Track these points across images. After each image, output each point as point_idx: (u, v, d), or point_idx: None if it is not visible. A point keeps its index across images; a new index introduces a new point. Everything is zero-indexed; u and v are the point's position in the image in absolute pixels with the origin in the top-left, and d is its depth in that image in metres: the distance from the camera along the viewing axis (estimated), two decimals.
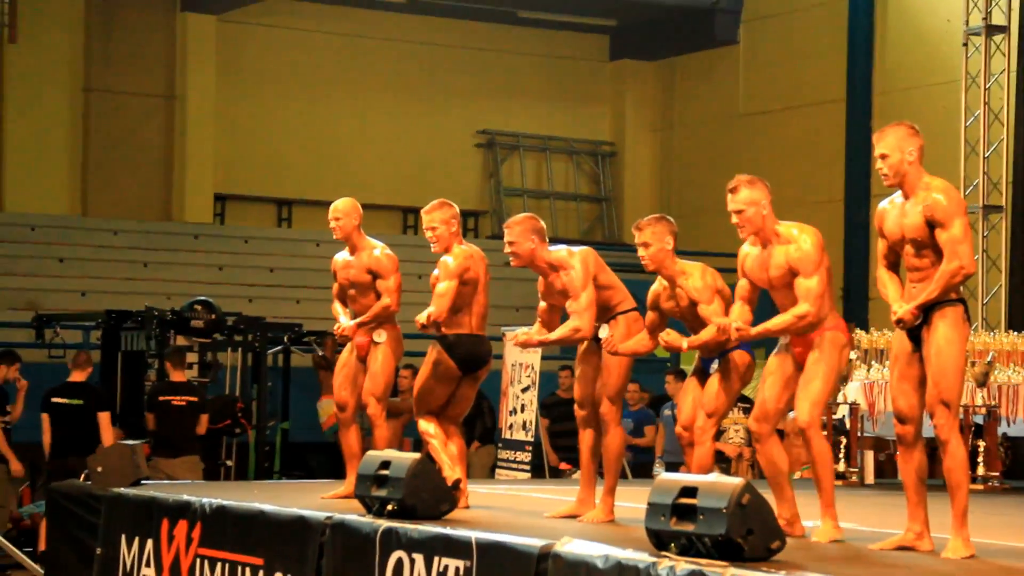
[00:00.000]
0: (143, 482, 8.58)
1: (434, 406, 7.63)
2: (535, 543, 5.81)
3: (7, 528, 11.41)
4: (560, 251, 7.10)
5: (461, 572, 6.05)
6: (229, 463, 12.97)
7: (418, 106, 21.00)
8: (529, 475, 12.52)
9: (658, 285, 6.98)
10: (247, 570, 7.23)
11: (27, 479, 12.22)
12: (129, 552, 8.08)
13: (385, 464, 6.82)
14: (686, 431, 6.87)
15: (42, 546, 10.43)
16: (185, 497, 7.83)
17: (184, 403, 11.68)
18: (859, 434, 10.68)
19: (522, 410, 12.85)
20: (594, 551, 5.54)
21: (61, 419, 11.48)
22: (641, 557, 5.34)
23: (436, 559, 6.18)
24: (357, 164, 20.39)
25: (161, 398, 11.69)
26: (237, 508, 7.46)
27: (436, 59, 21.10)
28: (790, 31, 20.20)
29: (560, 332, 7.04)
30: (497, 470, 12.97)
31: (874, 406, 10.75)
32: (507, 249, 7.11)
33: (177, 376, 11.87)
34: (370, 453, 7.11)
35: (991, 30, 14.97)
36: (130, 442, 8.91)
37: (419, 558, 6.26)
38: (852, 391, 10.78)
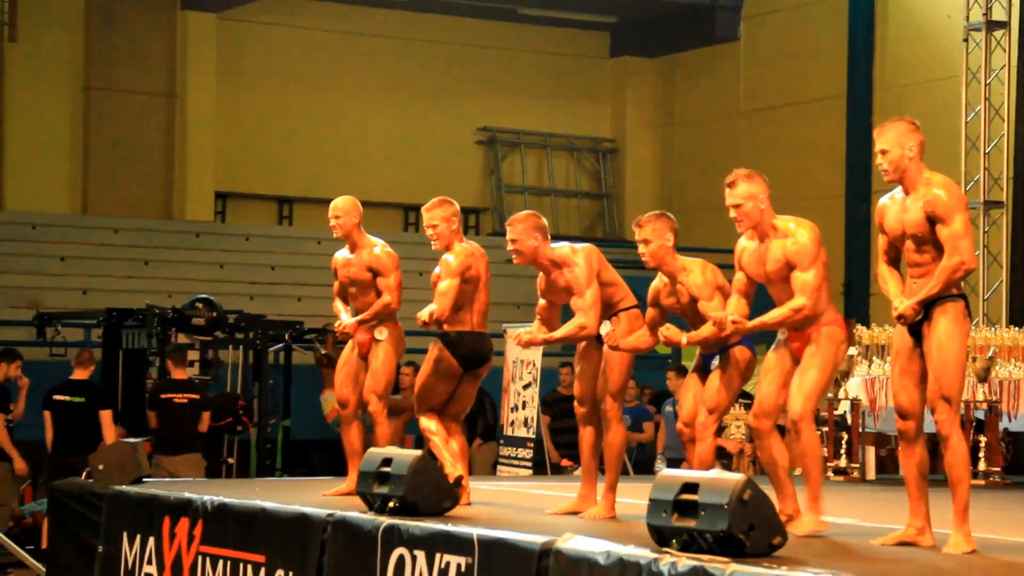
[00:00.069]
0: (144, 480, 8.59)
1: (435, 403, 7.63)
2: (537, 539, 5.81)
3: (9, 526, 11.42)
4: (563, 248, 7.10)
5: (463, 569, 6.05)
6: (231, 461, 12.97)
7: (419, 103, 21.01)
8: (531, 472, 12.53)
9: (658, 281, 6.98)
10: (249, 568, 7.24)
11: (29, 477, 12.22)
12: (131, 550, 8.08)
13: (387, 461, 6.82)
14: (687, 427, 6.87)
15: (44, 544, 10.43)
16: (186, 495, 7.83)
17: (186, 401, 11.68)
18: (860, 430, 10.67)
19: (523, 407, 12.85)
20: (596, 547, 5.55)
21: (63, 417, 11.48)
22: (643, 553, 5.34)
23: (438, 556, 6.18)
24: (358, 162, 20.39)
25: (163, 396, 11.70)
26: (238, 506, 7.46)
27: (437, 56, 21.10)
28: (791, 28, 20.20)
29: (565, 330, 7.03)
30: (498, 467, 12.98)
31: (875, 402, 10.75)
32: (509, 247, 7.11)
33: (178, 374, 11.88)
34: (371, 450, 7.11)
35: (991, 25, 14.96)
36: (131, 440, 8.92)
37: (421, 555, 6.26)
38: (853, 387, 10.78)
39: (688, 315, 6.89)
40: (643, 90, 22.28)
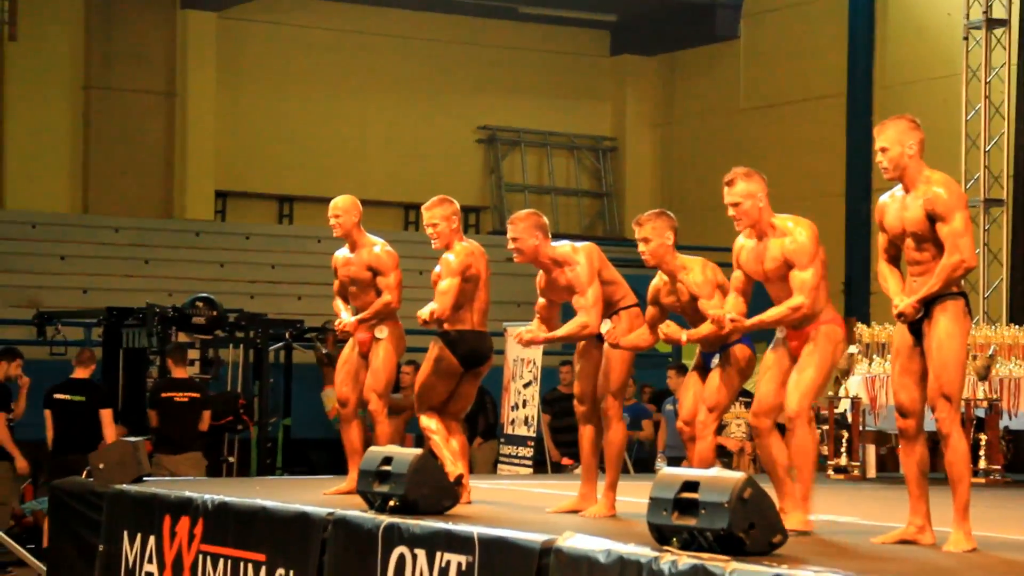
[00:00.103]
0: (145, 479, 8.59)
1: (436, 402, 7.63)
2: (537, 538, 5.81)
3: (9, 525, 11.42)
4: (564, 247, 7.10)
5: (463, 567, 6.05)
6: (231, 459, 12.98)
7: (419, 102, 21.01)
8: (531, 470, 12.53)
9: (658, 280, 6.98)
10: (249, 566, 7.24)
11: (30, 476, 12.23)
12: (131, 549, 8.08)
13: (387, 460, 6.82)
14: (687, 426, 6.87)
15: (45, 543, 10.42)
16: (187, 494, 7.83)
17: (186, 399, 11.68)
18: (861, 428, 10.67)
19: (524, 405, 12.85)
20: (596, 546, 5.55)
21: (63, 416, 11.48)
22: (643, 552, 5.34)
23: (438, 555, 6.18)
24: (358, 160, 20.40)
25: (163, 395, 11.70)
26: (239, 504, 7.46)
27: (437, 55, 21.10)
28: (791, 26, 20.20)
29: (567, 328, 7.03)
30: (499, 465, 12.98)
31: (876, 400, 10.75)
32: (511, 245, 7.10)
33: (179, 373, 11.88)
34: (372, 449, 7.11)
35: (992, 23, 14.95)
36: (132, 439, 8.92)
37: (421, 554, 6.26)
38: (854, 385, 10.77)
39: (688, 313, 6.89)
40: (643, 88, 22.28)
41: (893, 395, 5.99)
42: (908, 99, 17.39)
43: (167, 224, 18.90)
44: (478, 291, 7.55)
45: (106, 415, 11.51)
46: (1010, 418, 10.60)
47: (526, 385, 12.87)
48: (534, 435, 12.72)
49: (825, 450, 10.65)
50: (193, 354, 12.81)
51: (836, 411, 10.61)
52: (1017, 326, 11.32)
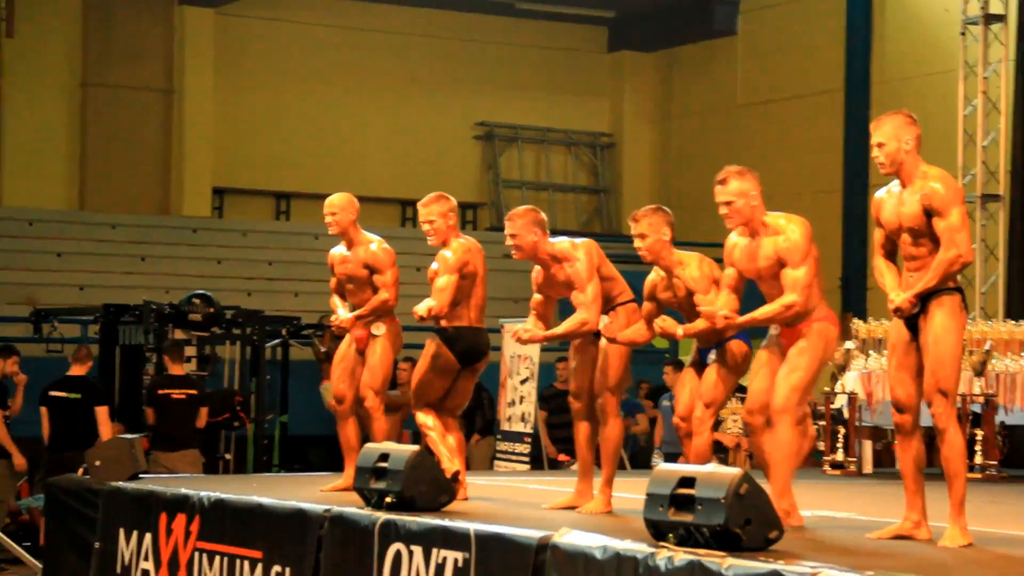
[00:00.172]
0: (141, 476, 8.58)
1: (432, 399, 7.63)
2: (533, 534, 5.81)
3: (5, 523, 11.41)
4: (563, 243, 7.09)
5: (460, 564, 6.05)
6: (228, 456, 12.97)
7: (416, 99, 21.00)
8: (528, 466, 12.53)
9: (655, 275, 6.98)
10: (246, 563, 7.23)
11: (27, 473, 12.22)
12: (127, 546, 8.08)
13: (384, 456, 6.81)
14: (684, 422, 6.87)
15: (42, 540, 10.42)
16: (183, 491, 7.83)
17: (184, 396, 11.67)
18: (857, 423, 10.68)
19: (521, 402, 12.85)
20: (592, 542, 5.55)
21: (59, 413, 11.48)
22: (639, 548, 5.34)
23: (435, 551, 6.18)
24: (355, 157, 20.38)
25: (160, 392, 11.69)
26: (235, 501, 7.46)
27: (434, 51, 21.09)
28: (788, 21, 20.19)
29: (567, 325, 7.02)
30: (496, 462, 12.98)
31: (872, 395, 10.75)
32: (509, 242, 7.09)
33: (176, 370, 11.87)
34: (368, 445, 7.11)
35: (989, 19, 14.95)
36: (128, 436, 8.91)
37: (418, 550, 6.26)
38: (850, 380, 10.78)
39: (685, 309, 6.89)
40: (641, 85, 22.27)
41: (889, 390, 5.99)
42: (905, 95, 17.39)
43: (164, 221, 18.88)
44: (475, 288, 7.54)
45: (102, 412, 11.50)
46: (1006, 413, 10.60)
47: (523, 381, 12.86)
48: (531, 431, 12.72)
49: (821, 446, 10.65)
50: (190, 351, 12.80)
51: (832, 407, 10.61)
52: (1013, 321, 11.32)
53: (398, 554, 6.35)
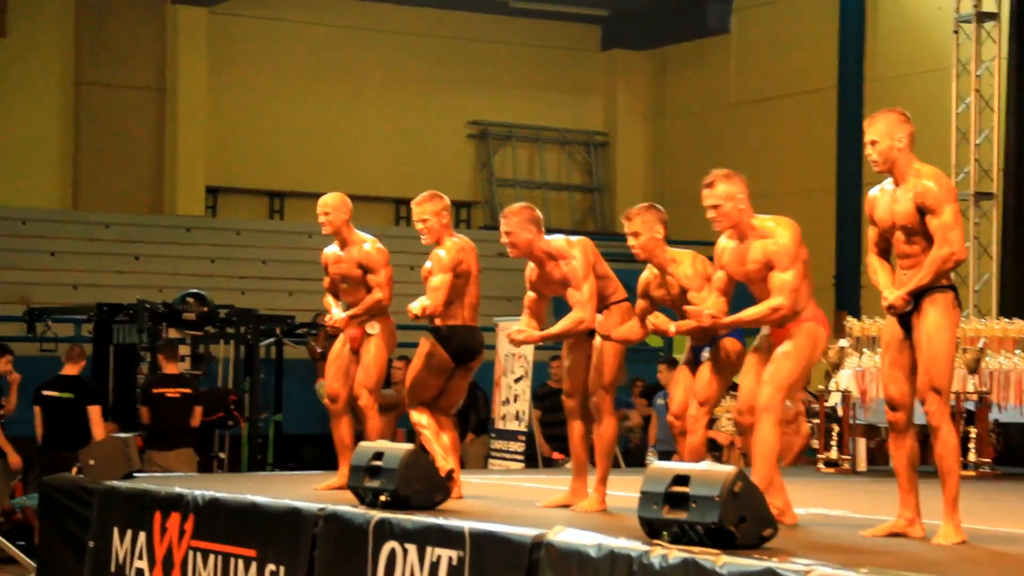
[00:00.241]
0: (135, 475, 8.58)
1: (427, 397, 7.63)
2: (528, 533, 5.81)
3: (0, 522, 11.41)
4: (559, 240, 7.09)
5: (454, 562, 6.05)
6: (222, 455, 12.97)
7: (410, 97, 20.99)
8: (522, 465, 12.52)
9: (648, 273, 6.98)
10: (240, 562, 7.23)
11: (22, 472, 12.21)
12: (122, 545, 8.08)
13: (378, 455, 6.82)
14: (678, 420, 6.87)
15: (37, 540, 10.41)
16: (177, 490, 7.83)
17: (178, 395, 11.67)
18: (851, 421, 10.68)
19: (515, 400, 12.85)
20: (587, 540, 5.55)
21: (52, 413, 11.47)
22: (634, 546, 5.35)
23: (429, 549, 6.18)
24: (349, 156, 20.37)
25: (154, 391, 11.68)
26: (230, 500, 7.46)
27: (428, 50, 21.08)
28: (781, 19, 20.20)
29: (562, 325, 7.01)
30: (490, 460, 12.98)
31: (866, 393, 10.75)
32: (504, 239, 7.08)
33: (170, 369, 11.86)
34: (363, 444, 7.11)
35: (982, 17, 14.96)
36: (122, 435, 8.90)
37: (412, 548, 6.26)
38: (844, 378, 10.78)
39: (678, 306, 6.89)
40: (634, 83, 22.28)
41: (883, 388, 6.00)
42: (898, 93, 17.40)
43: (158, 220, 18.86)
44: (469, 286, 7.54)
45: (94, 412, 11.49)
46: (1000, 411, 10.61)
47: (517, 380, 12.87)
48: (525, 430, 12.72)
49: (815, 443, 10.66)
50: (184, 350, 12.80)
51: (826, 404, 10.62)
52: (1007, 319, 11.33)
53: (392, 552, 6.35)
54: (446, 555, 6.08)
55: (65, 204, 19.07)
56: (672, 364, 11.58)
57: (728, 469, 5.31)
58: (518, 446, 12.73)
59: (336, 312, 7.95)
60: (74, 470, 8.75)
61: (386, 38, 20.84)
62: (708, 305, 6.42)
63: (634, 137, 22.28)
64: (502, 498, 7.92)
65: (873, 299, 6.40)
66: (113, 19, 19.25)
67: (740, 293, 6.52)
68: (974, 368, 10.32)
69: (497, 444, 13.00)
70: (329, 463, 9.11)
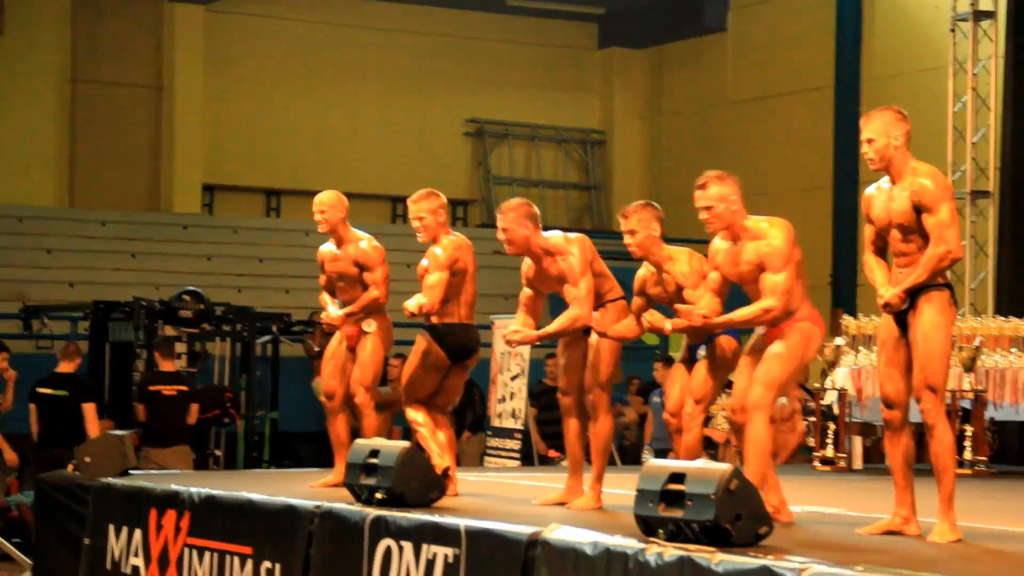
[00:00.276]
0: (131, 472, 8.57)
1: (423, 395, 7.63)
2: (524, 530, 5.81)
3: None
4: (556, 237, 7.08)
5: (450, 560, 6.05)
6: (218, 453, 12.97)
7: (407, 95, 20.99)
8: (518, 463, 12.53)
9: (645, 270, 6.98)
10: (236, 559, 7.23)
11: (18, 469, 12.21)
12: (117, 542, 8.07)
13: (374, 452, 6.82)
14: (674, 418, 6.88)
15: (33, 537, 10.40)
16: (173, 487, 7.82)
17: (174, 393, 11.66)
18: (847, 419, 10.69)
19: (511, 398, 12.85)
20: (582, 538, 5.55)
21: (47, 410, 11.46)
22: (629, 543, 5.35)
23: (425, 547, 6.18)
24: (346, 153, 20.37)
25: (151, 388, 11.68)
26: (226, 498, 7.46)
27: (425, 48, 21.08)
28: (778, 18, 20.21)
29: (559, 323, 7.00)
30: (486, 458, 12.99)
31: (862, 392, 10.76)
32: (501, 236, 7.07)
33: (166, 366, 11.86)
34: (359, 442, 7.11)
35: (978, 16, 14.95)
36: (118, 432, 8.90)
37: (408, 546, 6.26)
38: (840, 377, 10.79)
39: (674, 304, 6.89)
40: (631, 81, 22.28)
41: (879, 386, 6.00)
42: (895, 91, 17.40)
43: (154, 217, 18.86)
44: (465, 284, 7.54)
45: (89, 410, 11.48)
46: (995, 409, 10.62)
47: (513, 378, 12.87)
48: (522, 428, 12.73)
49: (811, 441, 10.67)
50: (180, 348, 12.79)
51: (822, 403, 10.63)
52: (1003, 318, 11.34)
53: (388, 550, 6.35)
54: (442, 553, 6.08)
55: (62, 202, 19.07)
56: (668, 362, 11.58)
57: (724, 467, 5.31)
58: (514, 444, 12.73)
59: (332, 310, 7.95)
60: (70, 467, 8.74)
61: (382, 36, 20.83)
62: (701, 305, 6.41)
63: (631, 135, 22.28)
64: (498, 496, 7.92)
65: (869, 297, 6.40)
66: (110, 17, 19.25)
67: (737, 292, 6.52)
68: (970, 366, 10.33)
69: (493, 442, 13.00)
70: (325, 461, 9.12)
